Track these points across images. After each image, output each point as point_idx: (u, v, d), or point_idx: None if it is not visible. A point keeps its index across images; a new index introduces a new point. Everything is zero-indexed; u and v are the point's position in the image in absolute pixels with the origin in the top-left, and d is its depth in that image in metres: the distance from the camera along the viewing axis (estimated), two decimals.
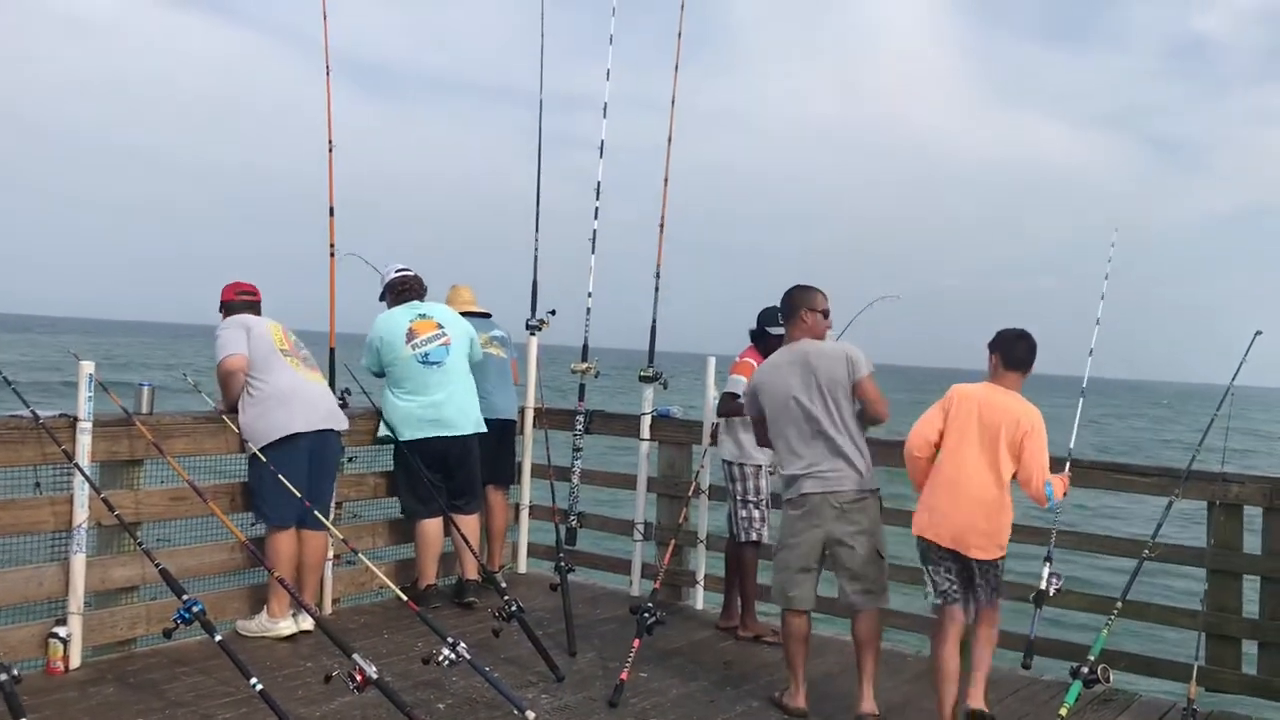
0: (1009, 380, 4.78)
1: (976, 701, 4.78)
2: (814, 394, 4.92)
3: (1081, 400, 5.48)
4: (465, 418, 6.52)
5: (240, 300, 6.00)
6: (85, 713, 4.52)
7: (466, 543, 6.40)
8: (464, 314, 6.91)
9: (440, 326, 6.51)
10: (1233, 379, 5.22)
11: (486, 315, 7.20)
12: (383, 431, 6.49)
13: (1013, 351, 4.81)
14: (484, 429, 6.61)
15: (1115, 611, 4.93)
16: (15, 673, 3.67)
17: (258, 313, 5.99)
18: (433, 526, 6.51)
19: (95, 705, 4.62)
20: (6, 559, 5.05)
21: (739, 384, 6.13)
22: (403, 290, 6.61)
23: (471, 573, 6.62)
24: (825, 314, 5.17)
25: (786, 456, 5.00)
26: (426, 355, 6.40)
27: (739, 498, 6.23)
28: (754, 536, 6.24)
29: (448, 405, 6.43)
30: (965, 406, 4.70)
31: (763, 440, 5.24)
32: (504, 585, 5.88)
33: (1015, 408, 4.68)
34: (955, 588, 4.72)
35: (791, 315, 5.16)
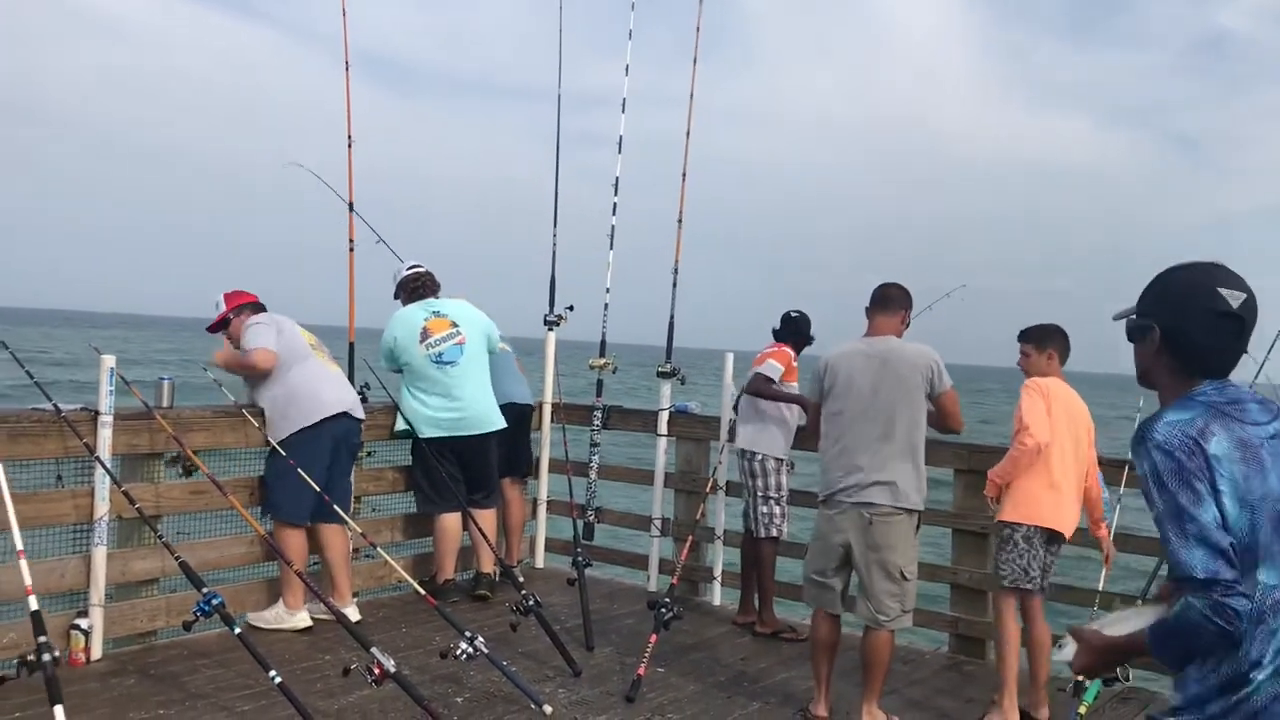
0: (1061, 374, 5.06)
1: (1043, 712, 5.01)
2: (883, 396, 4.69)
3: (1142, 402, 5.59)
4: (481, 418, 6.52)
5: (250, 305, 6.05)
6: (107, 704, 4.55)
7: (484, 536, 6.42)
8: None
9: (455, 325, 6.50)
10: (1254, 378, 5.17)
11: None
12: (400, 425, 6.52)
13: (1068, 347, 5.08)
14: (501, 426, 6.62)
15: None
16: (57, 654, 3.69)
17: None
18: (451, 521, 6.53)
19: (116, 696, 4.65)
20: (29, 551, 5.08)
21: (775, 369, 6.12)
22: (416, 288, 6.61)
23: (487, 566, 6.64)
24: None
25: (831, 452, 4.81)
26: (440, 355, 6.40)
27: (759, 493, 6.22)
28: (774, 532, 6.23)
29: (463, 406, 6.43)
30: (1058, 403, 4.93)
31: (813, 426, 5.03)
32: (521, 579, 5.89)
33: (1084, 407, 5.03)
34: (1039, 575, 4.94)
35: (890, 310, 4.89)
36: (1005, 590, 4.99)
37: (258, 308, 6.02)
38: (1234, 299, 2.34)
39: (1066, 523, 4.94)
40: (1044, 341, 5.07)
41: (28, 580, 3.99)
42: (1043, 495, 4.91)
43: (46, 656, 3.65)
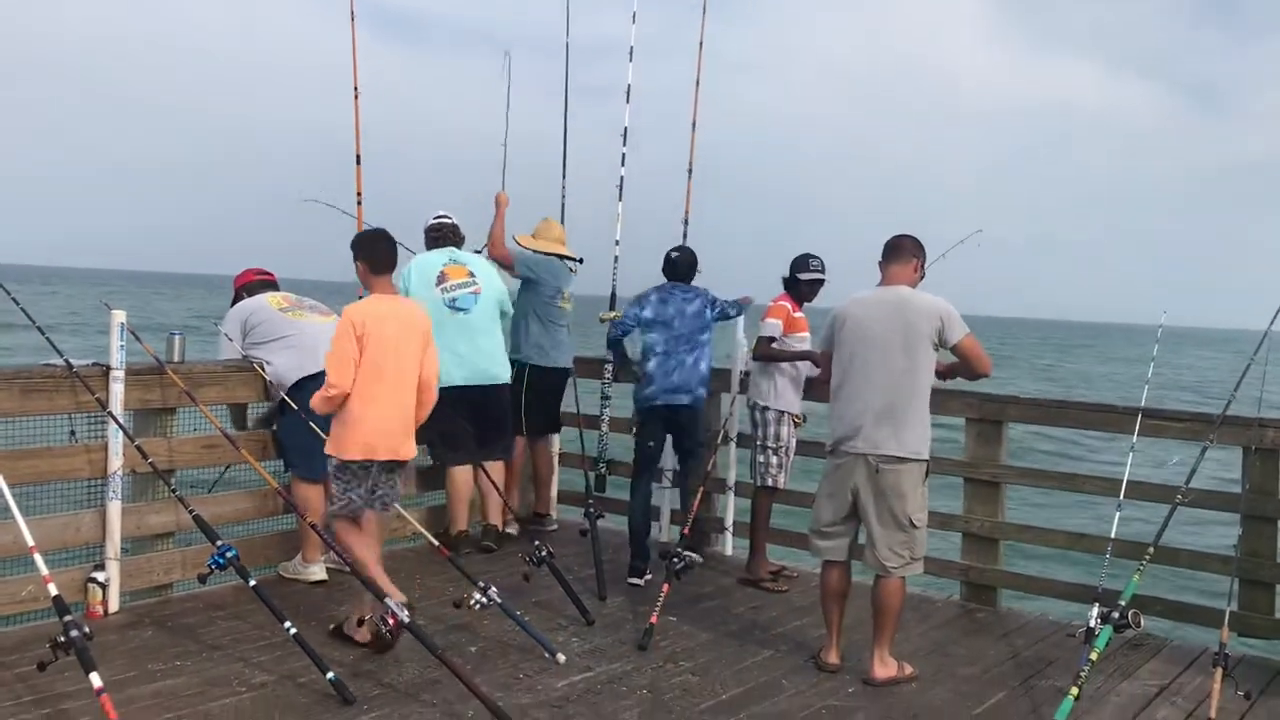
0: (382, 285, 4.81)
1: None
2: (893, 344, 4.67)
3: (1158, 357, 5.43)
4: (490, 367, 6.54)
5: (258, 282, 6.13)
6: (124, 655, 4.60)
7: (495, 487, 6.45)
8: (554, 255, 7.02)
9: (472, 274, 6.53)
10: (1270, 324, 5.13)
11: (578, 260, 7.19)
12: None
13: (378, 255, 4.81)
14: (508, 379, 6.66)
15: (1147, 557, 4.90)
16: (87, 629, 3.72)
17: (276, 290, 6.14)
18: (462, 474, 6.55)
19: (134, 648, 4.70)
20: (45, 505, 5.13)
21: (774, 328, 6.13)
22: (438, 236, 6.64)
23: (495, 518, 6.66)
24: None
25: (839, 401, 4.82)
26: (454, 300, 6.42)
27: (758, 443, 6.25)
28: (769, 482, 6.25)
29: (473, 354, 6.45)
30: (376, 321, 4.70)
31: (825, 376, 5.04)
32: (554, 529, 5.92)
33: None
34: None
35: (902, 259, 4.85)
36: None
37: (256, 287, 6.08)
38: (691, 255, 6.31)
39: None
40: (358, 249, 4.83)
41: (30, 541, 4.01)
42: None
43: (75, 633, 3.68)
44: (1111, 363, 61.12)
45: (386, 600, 4.38)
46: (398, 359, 4.72)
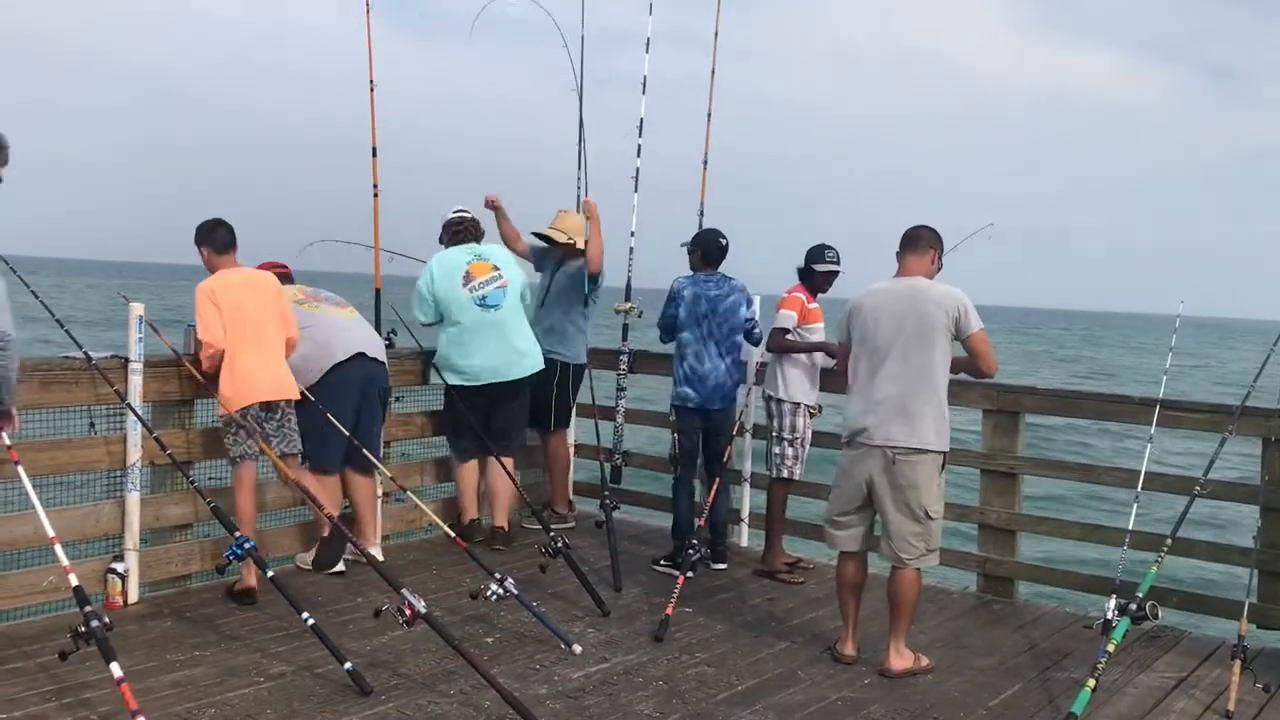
0: (226, 263, 5.42)
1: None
2: (909, 335, 4.65)
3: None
4: (521, 361, 6.52)
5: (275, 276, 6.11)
6: (143, 645, 4.63)
7: (500, 485, 6.49)
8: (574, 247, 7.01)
9: (497, 269, 6.49)
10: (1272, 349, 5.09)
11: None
12: (436, 377, 6.55)
13: (217, 239, 5.41)
14: (535, 369, 6.63)
15: (1165, 549, 4.88)
16: (107, 620, 3.76)
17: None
18: (469, 465, 6.61)
19: (153, 638, 4.74)
20: (65, 497, 5.16)
21: (789, 319, 6.13)
22: (458, 231, 6.59)
23: (501, 519, 6.63)
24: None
25: (855, 392, 4.81)
26: (484, 299, 6.39)
27: (773, 434, 6.25)
28: (785, 473, 6.25)
29: (506, 352, 6.43)
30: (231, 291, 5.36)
31: (842, 368, 5.01)
32: (572, 525, 5.92)
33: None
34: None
35: (919, 250, 4.81)
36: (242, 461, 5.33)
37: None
38: (724, 238, 6.24)
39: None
40: (200, 238, 5.42)
41: (50, 532, 4.05)
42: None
43: (95, 623, 3.72)
44: (1141, 353, 60.75)
45: (403, 592, 4.40)
46: (256, 314, 5.32)
